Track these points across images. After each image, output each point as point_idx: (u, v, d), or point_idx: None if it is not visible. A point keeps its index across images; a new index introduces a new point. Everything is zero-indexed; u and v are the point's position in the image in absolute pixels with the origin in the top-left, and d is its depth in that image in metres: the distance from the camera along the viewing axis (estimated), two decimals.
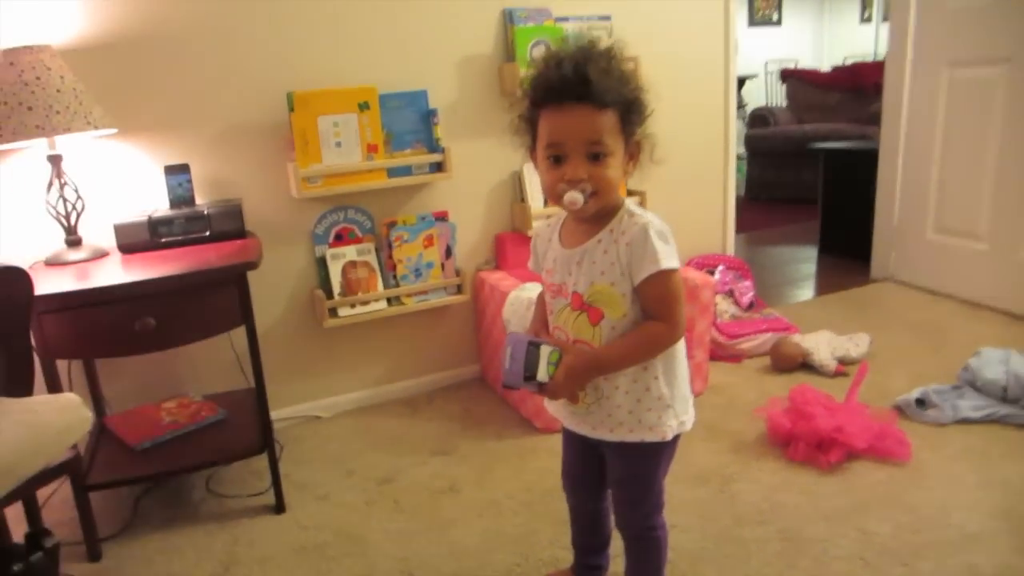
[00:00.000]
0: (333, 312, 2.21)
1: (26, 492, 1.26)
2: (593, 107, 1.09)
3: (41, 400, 1.29)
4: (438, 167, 2.24)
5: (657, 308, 1.14)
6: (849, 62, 7.11)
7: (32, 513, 1.38)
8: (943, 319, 2.84)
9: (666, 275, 1.11)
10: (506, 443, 2.10)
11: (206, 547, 1.72)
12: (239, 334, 2.09)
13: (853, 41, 8.18)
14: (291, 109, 2.03)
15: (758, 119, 6.09)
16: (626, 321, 1.15)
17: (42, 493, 1.69)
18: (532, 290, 2.10)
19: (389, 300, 2.28)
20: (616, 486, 1.31)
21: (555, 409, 1.29)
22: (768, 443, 2.00)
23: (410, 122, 2.19)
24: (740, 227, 4.65)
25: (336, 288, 2.22)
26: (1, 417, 1.22)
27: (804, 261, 3.95)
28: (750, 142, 5.82)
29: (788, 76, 6.37)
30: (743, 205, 5.58)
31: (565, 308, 1.20)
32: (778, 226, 4.82)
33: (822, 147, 4.01)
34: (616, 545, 1.44)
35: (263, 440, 1.83)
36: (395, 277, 2.29)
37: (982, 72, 2.83)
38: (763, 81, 7.97)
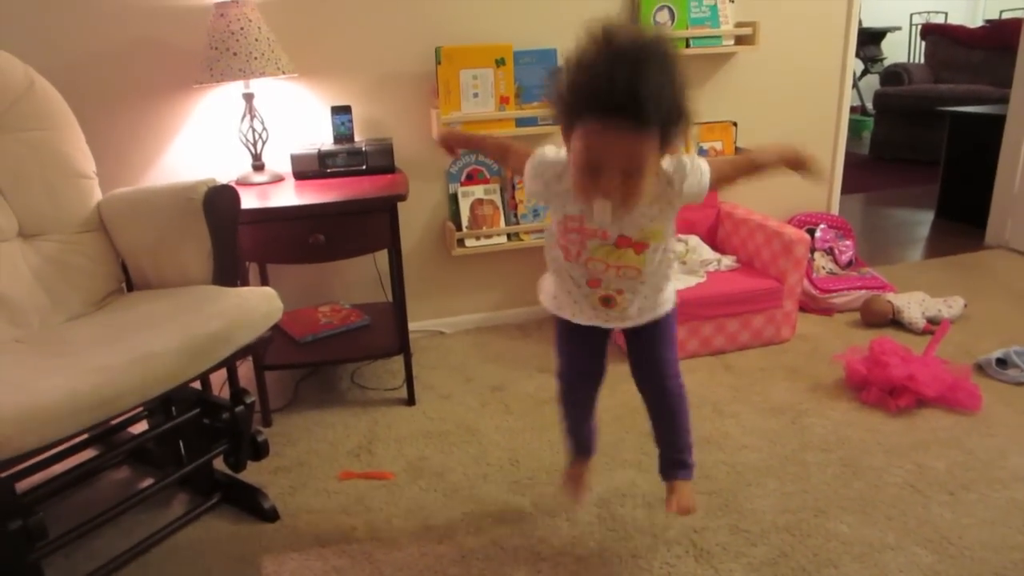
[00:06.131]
0: (461, 242, 2.53)
1: (235, 359, 1.65)
2: (638, 128, 1.06)
3: (247, 290, 1.68)
4: None
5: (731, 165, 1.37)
6: (1006, 16, 6.66)
7: (232, 378, 1.79)
8: None
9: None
10: None
11: (353, 425, 2.12)
12: (381, 255, 2.47)
13: None
14: (438, 62, 2.32)
15: (891, 76, 5.90)
16: (663, 245, 1.31)
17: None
18: None
19: (509, 236, 2.58)
20: (653, 350, 1.46)
21: (588, 318, 1.42)
22: (844, 387, 2.18)
23: (539, 77, 2.44)
24: (858, 187, 4.67)
25: (464, 222, 2.54)
26: (222, 299, 1.61)
27: (918, 224, 3.95)
28: (880, 100, 5.67)
29: (929, 32, 6.09)
30: (865, 164, 5.51)
31: (604, 245, 1.28)
32: (899, 187, 4.77)
33: (948, 110, 3.94)
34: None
35: (400, 344, 2.19)
36: (516, 215, 2.58)
37: None
38: (906, 34, 7.58)
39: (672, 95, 1.08)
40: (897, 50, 7.51)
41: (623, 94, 1.03)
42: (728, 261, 2.61)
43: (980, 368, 2.24)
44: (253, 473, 1.86)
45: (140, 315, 1.64)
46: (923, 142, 5.27)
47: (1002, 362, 2.21)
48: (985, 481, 1.73)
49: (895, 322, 2.59)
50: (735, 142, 2.73)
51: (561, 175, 1.26)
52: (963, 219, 3.78)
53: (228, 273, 1.75)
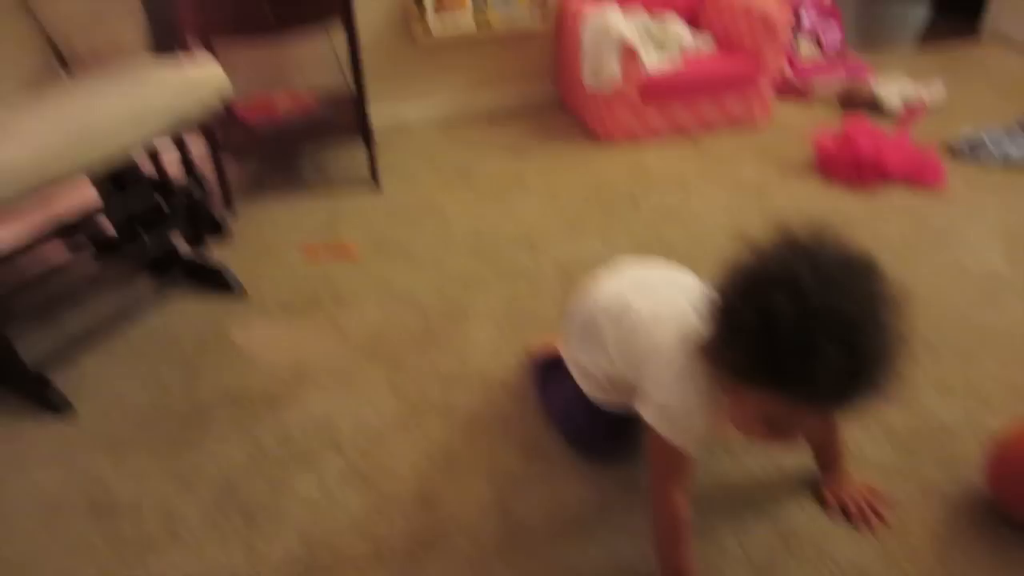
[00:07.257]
0: (424, 28, 2.39)
1: (180, 130, 1.60)
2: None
3: (185, 61, 1.59)
4: None
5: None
6: None
7: (187, 163, 1.74)
8: None
9: None
10: (571, 149, 2.37)
11: (317, 208, 2.11)
12: (340, 41, 2.34)
13: None
14: None
15: None
16: None
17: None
18: (610, 17, 2.21)
19: (478, 23, 2.43)
20: None
21: None
22: (814, 168, 2.16)
23: None
24: None
25: (429, 4, 2.38)
26: (158, 69, 1.54)
27: (912, 15, 3.75)
28: None
29: None
30: None
31: None
32: None
33: None
34: None
35: (361, 127, 2.13)
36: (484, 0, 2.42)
37: None
38: None
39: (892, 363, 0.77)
40: None
41: (842, 394, 0.77)
42: (704, 39, 2.49)
43: (952, 151, 2.21)
44: (219, 256, 1.86)
45: (77, 92, 1.56)
46: None
47: (975, 147, 2.18)
48: (934, 246, 1.76)
49: (873, 107, 2.52)
50: None
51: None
52: (960, 11, 3.58)
53: (165, 42, 1.66)
